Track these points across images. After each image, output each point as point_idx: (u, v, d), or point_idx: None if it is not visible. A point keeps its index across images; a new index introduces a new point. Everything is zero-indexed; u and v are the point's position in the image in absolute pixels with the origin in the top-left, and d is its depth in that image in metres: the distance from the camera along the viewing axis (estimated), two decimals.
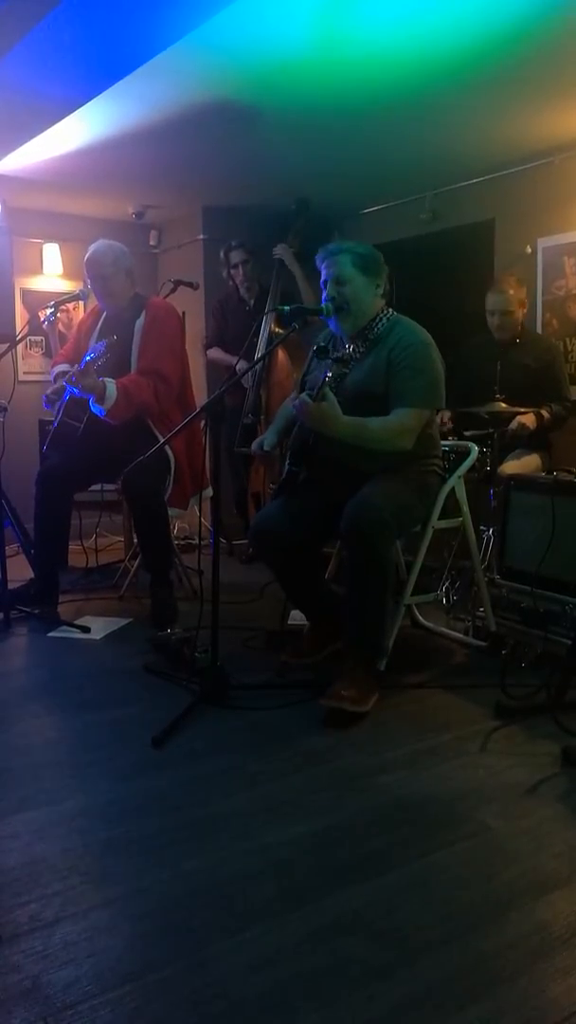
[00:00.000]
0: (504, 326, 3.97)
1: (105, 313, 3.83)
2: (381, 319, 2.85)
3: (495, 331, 4.01)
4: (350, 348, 2.86)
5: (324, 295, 2.84)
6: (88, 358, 3.40)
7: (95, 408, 3.46)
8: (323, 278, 2.85)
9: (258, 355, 4.55)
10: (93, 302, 3.91)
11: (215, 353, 5.02)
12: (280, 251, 4.70)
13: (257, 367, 4.55)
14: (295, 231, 4.74)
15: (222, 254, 4.91)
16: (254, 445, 3.12)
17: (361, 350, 2.85)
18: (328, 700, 2.51)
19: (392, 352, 2.76)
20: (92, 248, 3.67)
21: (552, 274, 4.48)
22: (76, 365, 3.53)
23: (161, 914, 1.61)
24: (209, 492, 3.41)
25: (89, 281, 3.71)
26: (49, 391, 3.80)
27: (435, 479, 2.97)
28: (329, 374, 2.66)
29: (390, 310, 2.89)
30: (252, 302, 4.87)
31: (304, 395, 2.71)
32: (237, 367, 4.62)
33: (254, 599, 3.96)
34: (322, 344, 2.85)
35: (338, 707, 2.49)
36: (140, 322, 3.66)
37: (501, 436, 3.64)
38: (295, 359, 4.46)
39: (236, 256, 4.82)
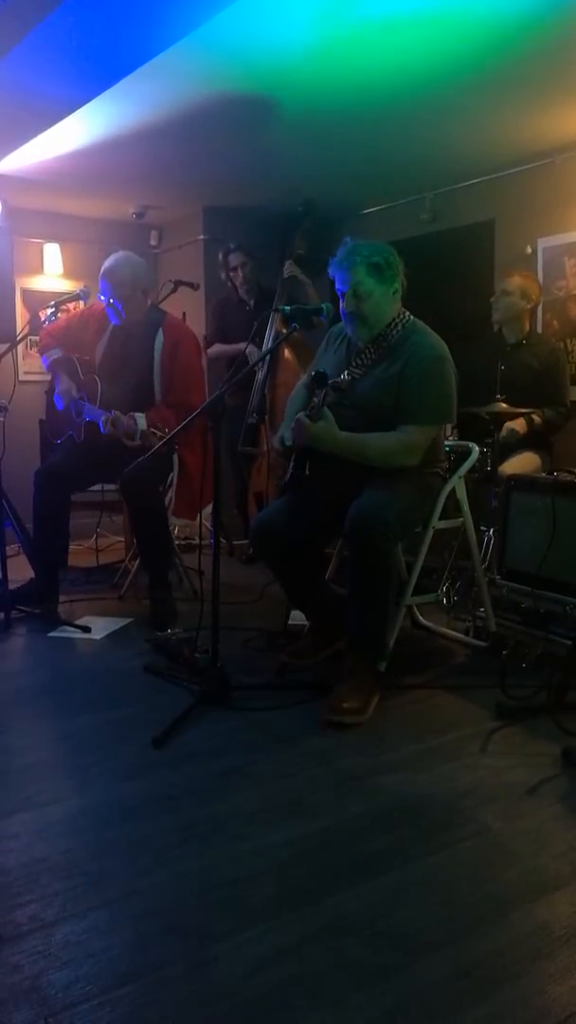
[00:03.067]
0: (499, 307, 3.98)
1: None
2: (397, 325, 2.81)
3: (493, 315, 4.01)
4: (344, 376, 2.83)
5: (341, 305, 2.80)
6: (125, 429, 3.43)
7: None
8: (338, 287, 2.80)
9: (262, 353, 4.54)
10: (101, 304, 3.86)
11: (216, 349, 5.01)
12: (289, 268, 4.63)
13: (263, 365, 4.54)
14: (302, 232, 4.72)
15: (220, 257, 4.90)
16: (274, 441, 3.06)
17: (373, 356, 2.82)
18: (329, 715, 2.51)
19: (406, 366, 2.73)
20: (112, 258, 3.60)
21: (552, 275, 4.48)
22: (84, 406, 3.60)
23: (161, 914, 1.61)
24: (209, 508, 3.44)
25: (103, 291, 3.61)
26: (63, 391, 3.77)
27: (438, 480, 2.97)
28: (328, 395, 2.65)
29: (406, 314, 2.85)
30: (252, 303, 4.87)
31: (302, 415, 2.70)
32: (247, 351, 4.60)
33: (254, 600, 3.96)
34: (321, 370, 2.78)
35: (338, 721, 2.49)
36: (159, 343, 3.63)
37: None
38: (301, 359, 4.46)
39: (235, 259, 4.81)
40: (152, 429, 3.40)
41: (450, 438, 3.53)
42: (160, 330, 3.67)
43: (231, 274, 4.86)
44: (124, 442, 3.48)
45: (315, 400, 2.72)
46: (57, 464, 3.71)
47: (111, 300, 3.61)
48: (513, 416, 3.68)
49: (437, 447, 2.94)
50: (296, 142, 4.20)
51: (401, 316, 2.83)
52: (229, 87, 3.50)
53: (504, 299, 3.97)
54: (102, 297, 3.67)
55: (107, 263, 3.60)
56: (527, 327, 4.03)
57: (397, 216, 5.38)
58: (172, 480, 3.69)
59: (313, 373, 2.81)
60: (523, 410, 3.69)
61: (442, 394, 2.76)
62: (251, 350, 4.57)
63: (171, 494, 3.70)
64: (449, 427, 3.77)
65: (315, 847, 1.85)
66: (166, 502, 3.70)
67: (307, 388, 3.11)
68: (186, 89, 3.51)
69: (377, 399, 2.76)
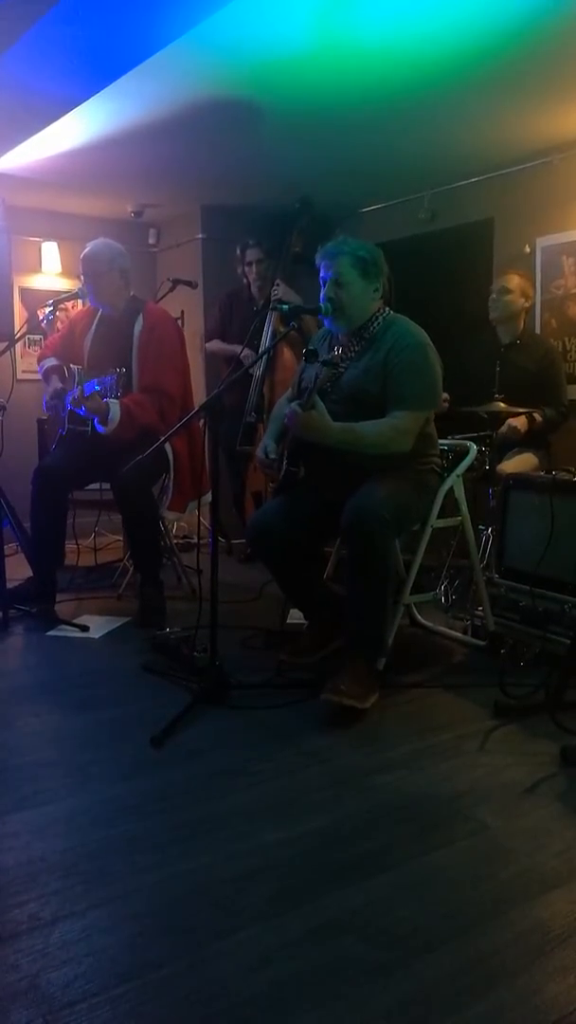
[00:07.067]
0: (496, 307, 3.97)
1: (100, 313, 3.82)
2: (377, 318, 2.85)
3: (490, 314, 4.01)
4: (338, 351, 2.86)
5: (322, 294, 2.84)
6: (95, 389, 3.38)
7: (98, 427, 3.47)
8: (322, 276, 2.85)
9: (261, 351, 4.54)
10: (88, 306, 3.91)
11: (214, 345, 5.00)
12: (277, 292, 4.58)
13: (260, 364, 4.54)
14: (299, 230, 4.73)
15: (238, 250, 4.88)
16: (258, 453, 3.10)
17: (356, 348, 2.85)
18: (328, 695, 2.51)
19: (389, 354, 2.76)
20: (89, 245, 3.67)
21: (551, 274, 4.48)
22: (76, 375, 3.57)
23: (159, 913, 1.61)
24: (208, 497, 3.39)
25: (82, 278, 3.70)
26: (49, 395, 3.80)
27: (434, 477, 2.97)
28: (319, 377, 2.65)
29: (387, 309, 2.89)
30: (261, 302, 4.86)
31: (294, 404, 2.70)
32: (242, 355, 4.60)
33: (253, 598, 3.96)
34: (312, 347, 2.80)
35: (338, 702, 2.49)
36: (138, 328, 3.64)
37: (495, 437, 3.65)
38: (300, 358, 4.45)
39: (251, 254, 4.80)
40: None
41: (448, 437, 3.54)
42: (140, 315, 3.69)
43: (245, 268, 4.85)
44: (98, 425, 3.48)
45: (306, 385, 2.70)
46: (55, 462, 3.71)
47: (81, 276, 3.68)
48: (512, 415, 3.68)
49: (427, 437, 2.93)
50: (295, 141, 4.20)
51: (382, 311, 2.88)
52: (227, 86, 3.50)
53: (504, 297, 3.97)
54: (81, 280, 3.71)
55: (84, 250, 3.68)
56: (522, 327, 4.03)
57: (395, 215, 5.38)
58: (167, 479, 3.69)
59: (304, 351, 2.75)
60: (522, 409, 3.69)
61: (429, 380, 2.79)
62: (246, 354, 4.57)
63: (167, 493, 3.70)
64: (444, 397, 3.76)
65: (313, 846, 1.85)
66: (161, 499, 3.70)
67: (291, 401, 3.11)
68: (184, 88, 3.51)
69: (362, 387, 2.78)
